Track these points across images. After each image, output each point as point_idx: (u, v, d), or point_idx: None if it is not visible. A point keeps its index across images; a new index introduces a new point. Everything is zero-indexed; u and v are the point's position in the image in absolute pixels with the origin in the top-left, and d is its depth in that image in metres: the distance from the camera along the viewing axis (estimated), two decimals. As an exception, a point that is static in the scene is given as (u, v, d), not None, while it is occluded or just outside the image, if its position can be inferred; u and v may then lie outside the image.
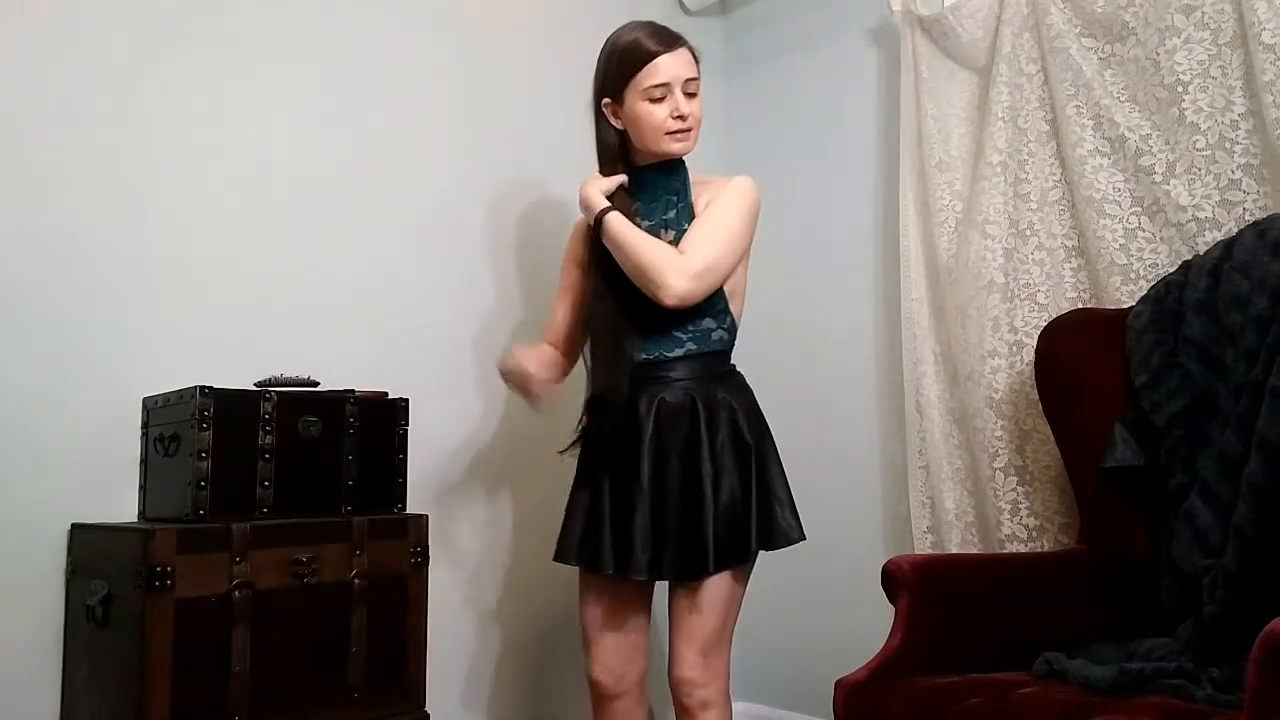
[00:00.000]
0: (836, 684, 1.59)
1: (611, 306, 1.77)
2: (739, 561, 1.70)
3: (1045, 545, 2.13)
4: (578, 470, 1.85)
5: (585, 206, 1.79)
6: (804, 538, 1.75)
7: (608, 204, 1.75)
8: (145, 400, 1.84)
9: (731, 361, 1.85)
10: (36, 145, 1.77)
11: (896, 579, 1.69)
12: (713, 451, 1.70)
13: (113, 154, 1.86)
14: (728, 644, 1.75)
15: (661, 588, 1.91)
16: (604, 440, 1.77)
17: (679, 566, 1.69)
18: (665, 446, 1.71)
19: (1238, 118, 1.92)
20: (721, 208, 1.76)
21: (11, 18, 1.76)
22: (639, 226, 1.76)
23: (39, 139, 1.78)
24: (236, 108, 2.02)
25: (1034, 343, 2.04)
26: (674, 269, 1.67)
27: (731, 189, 1.79)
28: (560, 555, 1.83)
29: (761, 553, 1.76)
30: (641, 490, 1.69)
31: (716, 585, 1.69)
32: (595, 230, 1.76)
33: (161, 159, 1.92)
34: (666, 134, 1.75)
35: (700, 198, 1.81)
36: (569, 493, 1.85)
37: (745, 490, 1.70)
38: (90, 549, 1.71)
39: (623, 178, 1.81)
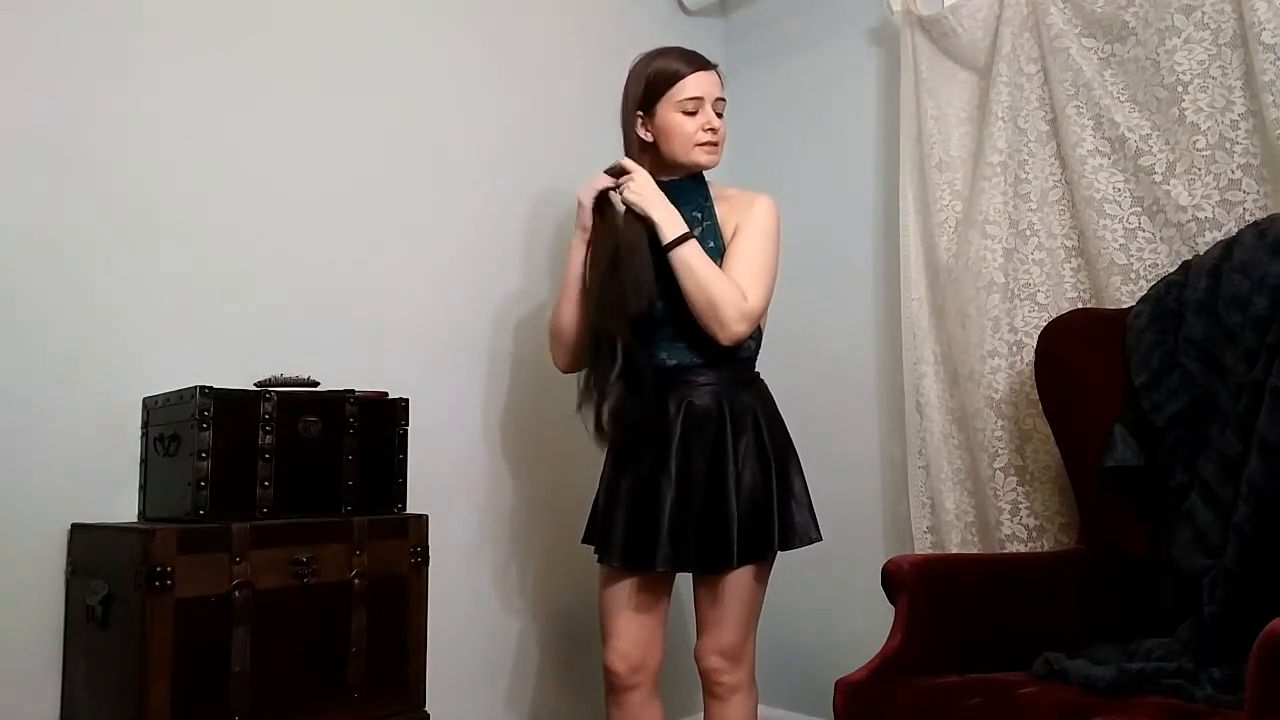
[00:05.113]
0: (836, 684, 1.59)
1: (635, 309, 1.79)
2: (760, 557, 1.77)
3: (1045, 545, 2.13)
4: (607, 465, 1.90)
5: (663, 220, 1.77)
6: (820, 538, 1.83)
7: (688, 229, 1.77)
8: (145, 400, 1.84)
9: (756, 369, 1.90)
10: (37, 145, 1.77)
11: (896, 579, 1.69)
12: (737, 454, 1.77)
13: (113, 154, 1.85)
14: (752, 632, 1.83)
15: (683, 579, 1.95)
16: (633, 439, 1.82)
17: (702, 559, 1.75)
18: (692, 447, 1.78)
19: (1238, 118, 1.92)
20: (757, 239, 1.82)
21: (9, 19, 1.76)
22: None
23: (39, 139, 1.78)
24: (238, 107, 2.02)
25: (1034, 343, 2.04)
26: (737, 311, 1.73)
27: (760, 214, 1.84)
28: (588, 540, 1.92)
29: (771, 551, 1.81)
30: (668, 486, 1.76)
31: (739, 578, 1.77)
32: (666, 247, 1.76)
33: (162, 158, 1.91)
34: (697, 145, 1.83)
35: (725, 217, 1.86)
36: (598, 483, 1.92)
37: (767, 491, 1.77)
38: (90, 549, 1.70)
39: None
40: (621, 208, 1.85)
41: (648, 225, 1.80)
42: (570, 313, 1.92)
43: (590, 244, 1.89)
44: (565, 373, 2.00)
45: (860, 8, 2.70)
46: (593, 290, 1.86)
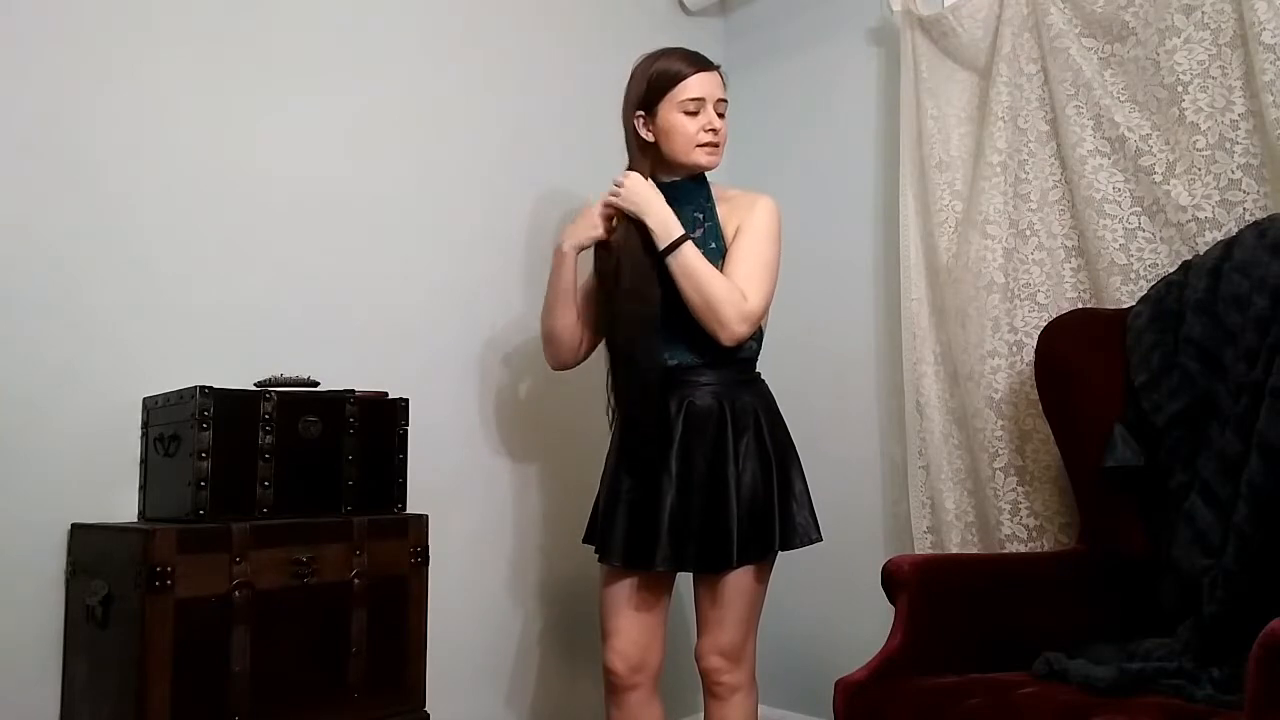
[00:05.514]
0: (836, 684, 1.59)
1: (648, 317, 1.80)
2: (759, 557, 1.78)
3: (1045, 545, 2.13)
4: (608, 464, 1.91)
5: (659, 224, 1.78)
6: (821, 539, 1.83)
7: (684, 231, 1.78)
8: (145, 400, 1.84)
9: (757, 369, 1.91)
10: (37, 146, 1.77)
11: (896, 579, 1.69)
12: (737, 454, 1.77)
13: (113, 154, 1.85)
14: (753, 633, 1.83)
15: (684, 579, 1.96)
16: (635, 439, 1.82)
17: (702, 559, 1.76)
18: (692, 446, 1.78)
19: (1238, 118, 1.92)
20: (758, 240, 1.83)
21: (8, 20, 1.76)
22: None
23: (39, 139, 1.78)
24: (237, 108, 2.02)
25: (1034, 343, 2.04)
26: (737, 312, 1.74)
27: (761, 214, 1.85)
28: (589, 540, 1.92)
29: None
30: (669, 486, 1.76)
31: (739, 578, 1.77)
32: (663, 252, 1.77)
33: (161, 158, 1.91)
34: (698, 146, 1.83)
35: (727, 218, 1.87)
36: (599, 482, 1.92)
37: (767, 491, 1.77)
38: (90, 549, 1.70)
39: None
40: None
41: (644, 228, 1.80)
42: (566, 319, 1.94)
43: (596, 252, 1.91)
44: (556, 370, 2.04)
45: (860, 8, 2.70)
46: (605, 299, 1.89)
